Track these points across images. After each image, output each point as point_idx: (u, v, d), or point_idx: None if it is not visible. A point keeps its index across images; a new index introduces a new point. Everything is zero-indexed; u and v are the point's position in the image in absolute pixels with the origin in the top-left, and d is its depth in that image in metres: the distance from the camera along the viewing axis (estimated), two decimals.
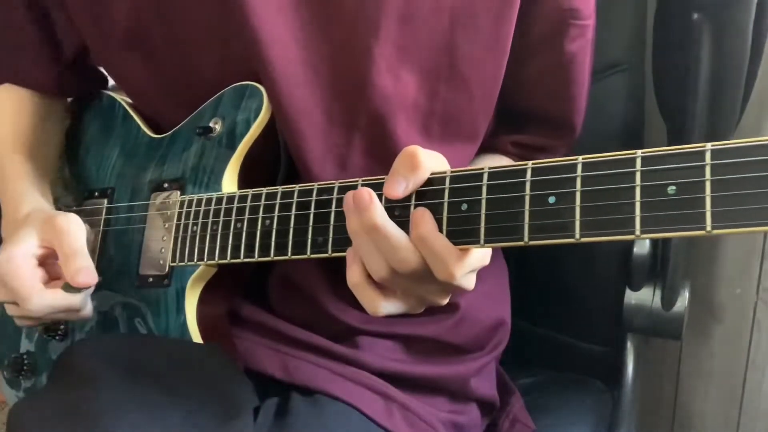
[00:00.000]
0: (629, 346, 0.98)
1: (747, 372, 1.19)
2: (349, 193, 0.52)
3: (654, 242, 0.95)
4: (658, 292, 0.95)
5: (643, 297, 0.96)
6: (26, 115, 0.83)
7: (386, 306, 0.54)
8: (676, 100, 0.87)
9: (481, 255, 0.52)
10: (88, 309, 0.71)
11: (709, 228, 0.40)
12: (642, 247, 0.94)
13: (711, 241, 1.17)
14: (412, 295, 0.55)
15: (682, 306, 0.94)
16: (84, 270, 0.66)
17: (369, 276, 0.53)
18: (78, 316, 0.70)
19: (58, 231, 0.67)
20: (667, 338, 0.98)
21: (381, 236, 0.51)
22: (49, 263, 0.69)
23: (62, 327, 0.80)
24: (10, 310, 0.69)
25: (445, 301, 0.56)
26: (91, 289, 0.69)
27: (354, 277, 0.54)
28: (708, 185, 0.41)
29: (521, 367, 0.98)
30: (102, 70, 0.88)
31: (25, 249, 0.67)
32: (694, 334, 1.20)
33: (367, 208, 0.50)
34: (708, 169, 0.41)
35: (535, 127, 0.80)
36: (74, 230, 0.68)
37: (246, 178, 0.70)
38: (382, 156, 0.66)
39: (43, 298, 0.66)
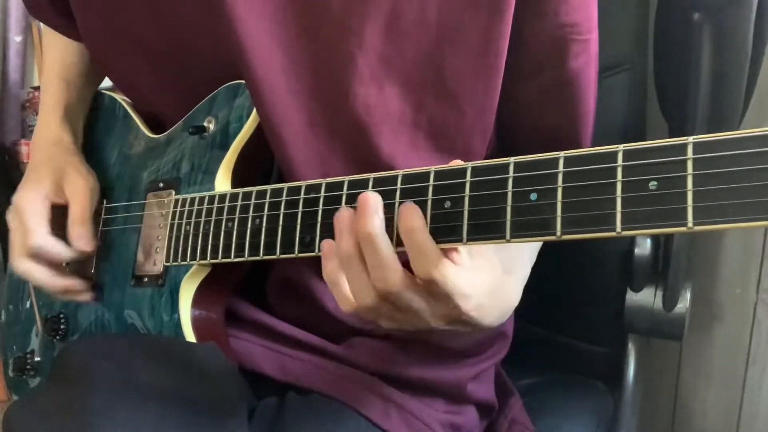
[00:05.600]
0: (630, 347, 0.98)
1: (747, 372, 1.18)
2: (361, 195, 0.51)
3: (655, 243, 0.94)
4: (659, 293, 0.94)
5: (645, 298, 0.95)
6: (72, 47, 0.88)
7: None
8: (678, 100, 0.86)
9: (464, 278, 0.50)
10: (76, 286, 0.78)
11: (690, 224, 0.39)
12: (643, 248, 0.93)
13: (711, 241, 1.16)
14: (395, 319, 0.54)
15: (684, 307, 0.93)
16: (85, 237, 0.76)
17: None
18: (61, 283, 0.77)
19: (77, 193, 0.77)
20: (668, 339, 0.98)
21: (372, 249, 0.50)
22: (55, 218, 0.77)
23: (62, 327, 0.81)
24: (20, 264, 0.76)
25: (440, 325, 0.54)
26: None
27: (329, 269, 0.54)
28: (690, 180, 0.40)
29: (522, 368, 0.97)
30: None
31: (44, 192, 0.77)
32: (695, 335, 1.19)
33: (369, 213, 0.50)
34: (690, 164, 0.40)
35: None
36: (90, 197, 0.77)
37: (240, 177, 0.70)
38: (364, 164, 0.65)
39: (42, 236, 0.75)
